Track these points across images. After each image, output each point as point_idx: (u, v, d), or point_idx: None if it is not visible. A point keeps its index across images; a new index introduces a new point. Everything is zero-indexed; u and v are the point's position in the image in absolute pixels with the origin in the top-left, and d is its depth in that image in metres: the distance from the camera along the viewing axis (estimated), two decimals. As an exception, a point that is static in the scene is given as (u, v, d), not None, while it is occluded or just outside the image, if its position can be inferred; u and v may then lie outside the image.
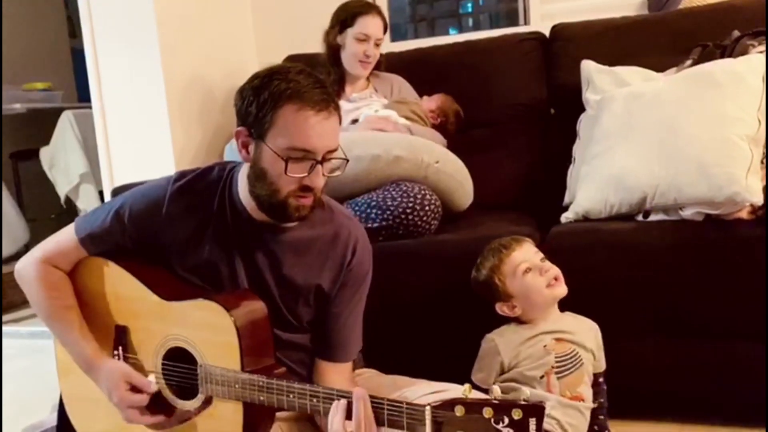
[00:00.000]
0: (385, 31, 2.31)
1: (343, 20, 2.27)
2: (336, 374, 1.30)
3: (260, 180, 1.16)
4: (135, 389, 1.21)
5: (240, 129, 1.17)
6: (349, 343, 1.33)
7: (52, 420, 1.66)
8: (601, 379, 1.54)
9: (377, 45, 2.28)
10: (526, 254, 1.52)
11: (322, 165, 1.14)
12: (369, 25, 2.24)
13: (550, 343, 1.46)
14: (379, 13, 2.29)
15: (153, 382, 1.23)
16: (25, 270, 1.32)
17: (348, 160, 1.20)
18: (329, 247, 1.29)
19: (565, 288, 1.50)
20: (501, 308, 1.53)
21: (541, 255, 1.53)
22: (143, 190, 1.32)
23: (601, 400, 1.54)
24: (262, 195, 1.17)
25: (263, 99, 1.12)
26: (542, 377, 1.44)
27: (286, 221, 1.22)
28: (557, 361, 1.44)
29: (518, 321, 1.53)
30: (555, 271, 1.50)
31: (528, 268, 1.49)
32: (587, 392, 1.48)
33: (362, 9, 2.26)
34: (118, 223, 1.28)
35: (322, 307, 1.31)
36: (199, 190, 1.28)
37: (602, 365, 1.54)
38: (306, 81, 1.13)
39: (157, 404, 1.25)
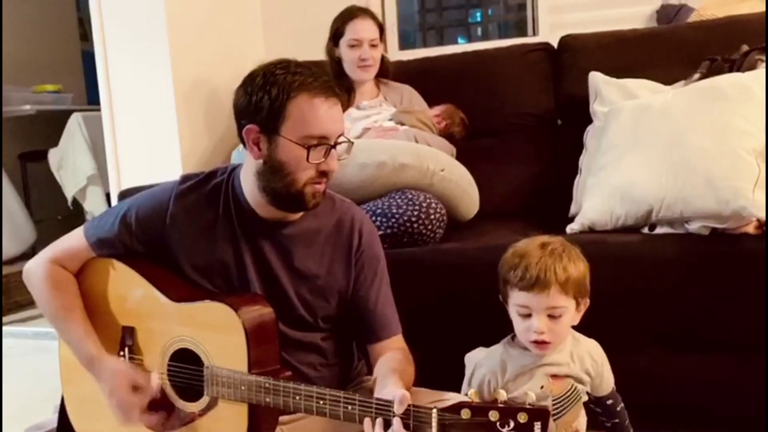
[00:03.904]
0: (381, 32, 2.31)
1: (334, 31, 2.29)
2: (389, 351, 1.31)
3: (277, 173, 1.19)
4: (136, 389, 1.21)
5: (250, 127, 1.19)
6: (388, 320, 1.35)
7: (55, 420, 1.66)
8: (609, 401, 1.40)
9: (373, 46, 2.27)
10: (541, 300, 1.29)
11: (335, 149, 1.19)
12: (358, 29, 2.25)
13: (547, 384, 1.32)
14: (369, 14, 2.29)
15: (156, 382, 1.22)
16: (33, 270, 1.34)
17: (353, 143, 1.24)
18: (335, 234, 1.32)
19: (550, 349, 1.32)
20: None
21: (556, 306, 1.29)
22: (149, 194, 1.34)
23: (616, 421, 1.41)
24: (279, 187, 1.20)
25: (275, 93, 1.16)
26: None
27: (302, 210, 1.26)
28: (555, 404, 1.31)
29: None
30: (543, 335, 1.29)
31: (528, 313, 1.30)
32: (583, 421, 1.38)
33: (349, 15, 2.27)
34: (126, 228, 1.30)
35: (344, 296, 1.33)
36: (204, 192, 1.30)
37: (607, 387, 1.39)
38: (308, 72, 1.19)
39: (161, 406, 1.26)
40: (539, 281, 1.27)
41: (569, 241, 1.69)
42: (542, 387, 1.32)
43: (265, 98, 1.16)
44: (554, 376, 1.34)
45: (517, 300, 1.30)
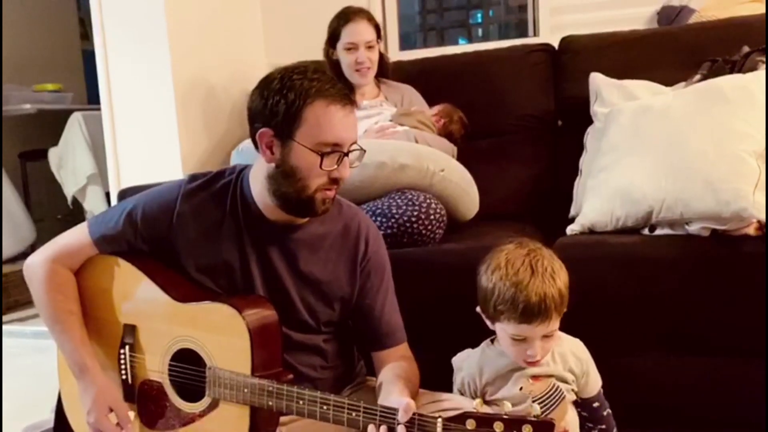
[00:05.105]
0: (378, 33, 2.29)
1: (331, 35, 2.28)
2: (394, 359, 1.31)
3: (288, 177, 1.19)
4: (111, 413, 1.25)
5: (264, 130, 1.19)
6: (393, 328, 1.35)
7: (52, 420, 1.66)
8: (595, 404, 1.38)
9: (370, 48, 2.26)
10: (540, 329, 1.25)
11: (347, 156, 1.19)
12: (354, 32, 2.24)
13: (527, 385, 1.29)
14: (365, 15, 2.27)
15: (131, 419, 1.26)
16: (34, 269, 1.33)
17: (365, 151, 1.24)
18: (341, 240, 1.32)
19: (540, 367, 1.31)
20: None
21: (553, 329, 1.27)
22: (156, 192, 1.33)
23: (602, 427, 1.39)
24: (290, 192, 1.20)
25: (291, 98, 1.16)
26: None
27: (311, 215, 1.25)
28: (537, 404, 1.26)
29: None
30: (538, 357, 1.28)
31: (523, 338, 1.26)
32: (573, 419, 1.34)
33: (345, 18, 2.26)
34: (131, 225, 1.29)
35: (347, 303, 1.33)
36: (211, 192, 1.30)
37: (594, 388, 1.37)
38: (325, 78, 1.19)
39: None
40: (540, 313, 1.22)
41: (569, 243, 1.72)
42: (521, 389, 1.30)
43: (282, 102, 1.16)
44: (535, 377, 1.32)
45: (512, 330, 1.26)
